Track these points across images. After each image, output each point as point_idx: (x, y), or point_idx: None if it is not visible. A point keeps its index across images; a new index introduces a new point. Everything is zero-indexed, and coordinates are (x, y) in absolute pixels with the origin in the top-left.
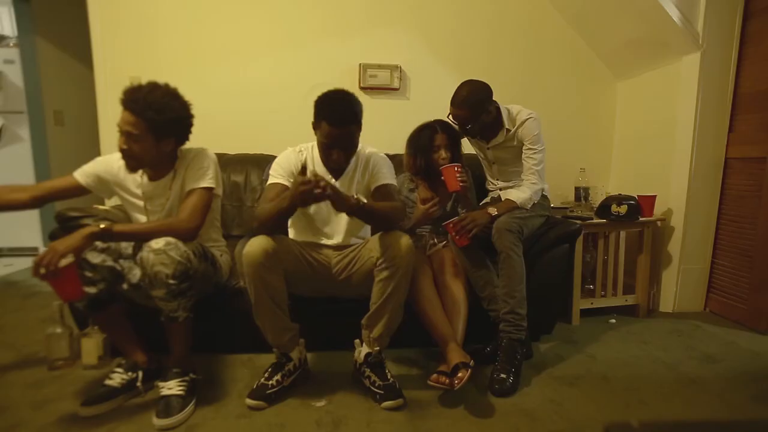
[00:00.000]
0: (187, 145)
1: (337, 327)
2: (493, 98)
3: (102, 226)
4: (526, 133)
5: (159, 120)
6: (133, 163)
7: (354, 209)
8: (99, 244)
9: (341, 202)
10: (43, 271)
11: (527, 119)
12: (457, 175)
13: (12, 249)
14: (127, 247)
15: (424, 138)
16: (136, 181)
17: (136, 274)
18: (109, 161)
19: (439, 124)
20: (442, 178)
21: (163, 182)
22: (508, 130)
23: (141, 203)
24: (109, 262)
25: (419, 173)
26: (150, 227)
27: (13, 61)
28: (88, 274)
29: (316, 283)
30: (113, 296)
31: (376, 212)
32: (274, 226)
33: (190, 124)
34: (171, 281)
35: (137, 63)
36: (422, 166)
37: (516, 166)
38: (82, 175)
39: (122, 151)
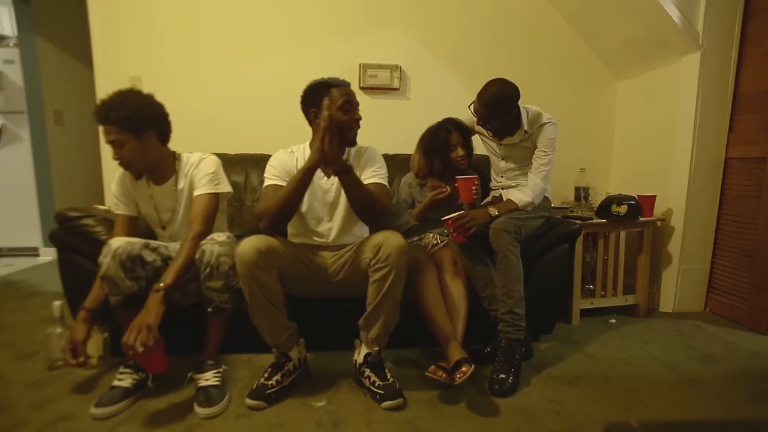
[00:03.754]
0: (190, 146)
1: (336, 327)
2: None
3: (162, 285)
4: (540, 137)
5: (122, 115)
6: (132, 168)
7: (343, 167)
8: (152, 243)
9: (338, 156)
10: (141, 350)
11: (546, 123)
12: (473, 188)
13: (12, 249)
14: (167, 246)
15: (440, 140)
16: (144, 188)
17: None
18: (121, 180)
19: (451, 123)
20: (456, 185)
21: (168, 185)
22: (526, 132)
23: (154, 211)
24: (158, 263)
25: (433, 175)
26: (184, 256)
27: (13, 61)
28: (139, 271)
29: (313, 285)
30: (146, 295)
31: (362, 185)
32: (288, 211)
33: (163, 116)
34: (231, 272)
35: (137, 63)
36: (440, 169)
37: (525, 167)
38: (124, 208)
39: (118, 161)
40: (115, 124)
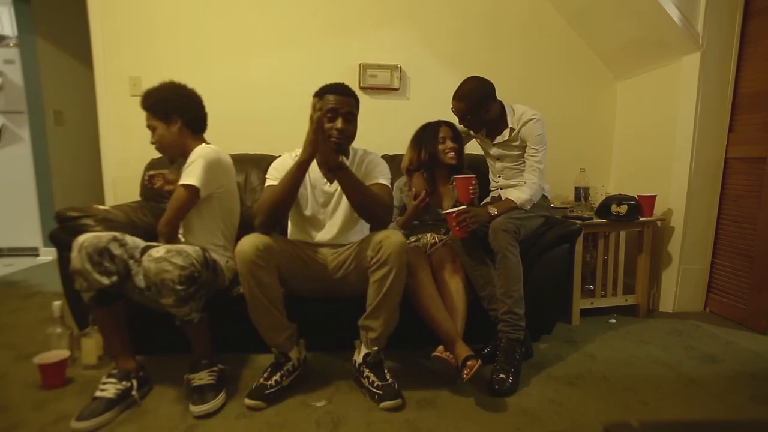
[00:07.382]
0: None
1: (337, 327)
2: (496, 97)
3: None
4: (528, 134)
5: (153, 101)
6: (164, 153)
7: (338, 167)
8: (120, 237)
9: (331, 154)
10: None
11: (530, 120)
12: (471, 188)
13: (12, 249)
14: (135, 248)
15: (429, 132)
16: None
17: (141, 279)
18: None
19: (443, 121)
20: (453, 184)
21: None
22: (513, 129)
23: None
24: (125, 257)
25: (420, 168)
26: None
27: (13, 61)
28: (108, 264)
29: (313, 283)
30: (120, 292)
31: (360, 183)
32: (280, 207)
33: (193, 105)
34: (179, 287)
35: (137, 63)
36: (425, 159)
37: (518, 165)
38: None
39: (154, 145)
40: (146, 110)
